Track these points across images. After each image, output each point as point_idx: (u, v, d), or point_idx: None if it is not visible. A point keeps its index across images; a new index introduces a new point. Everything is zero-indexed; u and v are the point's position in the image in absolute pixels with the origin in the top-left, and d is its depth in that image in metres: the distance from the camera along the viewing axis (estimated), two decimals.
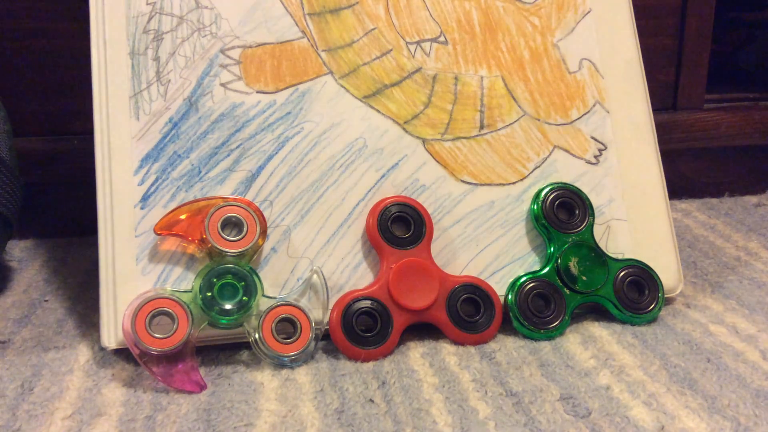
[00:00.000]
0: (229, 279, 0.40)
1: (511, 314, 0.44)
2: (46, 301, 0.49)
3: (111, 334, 0.40)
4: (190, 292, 0.40)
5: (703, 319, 0.46)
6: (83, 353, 0.42)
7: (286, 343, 0.40)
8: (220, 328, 0.40)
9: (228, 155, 0.44)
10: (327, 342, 0.43)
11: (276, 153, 0.44)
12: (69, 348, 0.43)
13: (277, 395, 0.37)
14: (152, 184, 0.42)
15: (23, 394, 0.38)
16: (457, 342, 0.42)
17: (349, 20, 0.46)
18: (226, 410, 0.36)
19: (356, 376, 0.39)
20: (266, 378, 0.39)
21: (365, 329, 0.41)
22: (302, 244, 0.43)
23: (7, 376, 0.40)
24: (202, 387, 0.38)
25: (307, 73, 0.46)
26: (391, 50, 0.47)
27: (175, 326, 0.39)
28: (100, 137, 0.42)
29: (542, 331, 0.43)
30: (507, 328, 0.44)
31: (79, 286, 0.51)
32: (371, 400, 0.37)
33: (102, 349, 0.41)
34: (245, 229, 0.41)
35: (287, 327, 0.41)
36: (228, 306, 0.40)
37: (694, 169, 0.67)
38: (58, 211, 0.60)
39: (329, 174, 0.45)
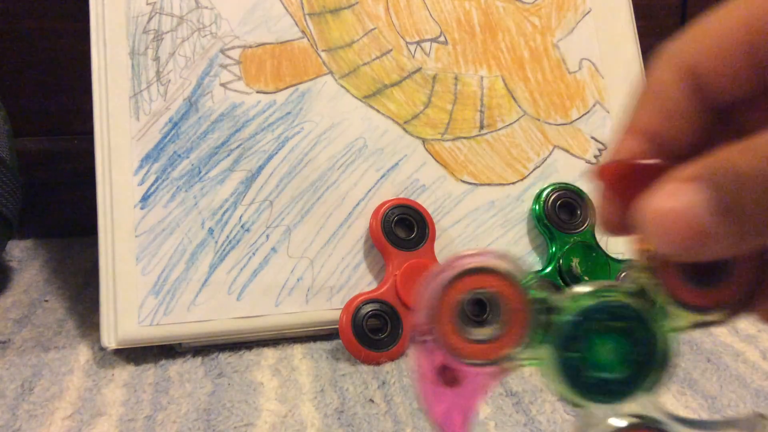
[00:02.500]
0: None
1: None
2: (46, 301, 0.49)
3: (111, 334, 0.40)
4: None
5: None
6: (83, 353, 0.42)
7: None
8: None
9: (228, 155, 0.44)
10: (327, 342, 0.43)
11: (276, 153, 0.44)
12: (69, 348, 0.43)
13: (277, 395, 0.37)
14: (152, 184, 0.42)
15: (23, 394, 0.38)
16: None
17: (349, 20, 0.46)
18: (226, 410, 0.36)
19: (356, 376, 0.39)
20: (266, 378, 0.39)
21: (375, 332, 0.41)
22: (302, 244, 0.43)
23: (7, 376, 0.40)
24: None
25: (307, 73, 0.46)
26: (391, 50, 0.47)
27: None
28: (100, 137, 0.42)
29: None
30: None
31: (79, 286, 0.51)
32: (371, 400, 0.37)
33: (102, 349, 0.41)
34: None
35: None
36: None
37: None
38: (58, 211, 0.60)
39: (329, 174, 0.45)
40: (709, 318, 0.20)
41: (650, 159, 0.19)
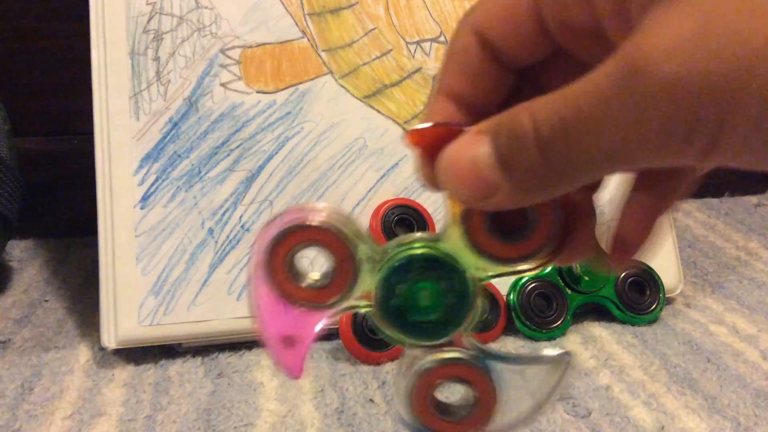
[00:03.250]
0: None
1: (513, 314, 0.44)
2: (46, 301, 0.49)
3: (111, 334, 0.40)
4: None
5: (703, 319, 0.46)
6: (83, 353, 0.42)
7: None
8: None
9: (228, 155, 0.44)
10: (327, 342, 0.43)
11: (276, 153, 0.44)
12: (69, 348, 0.43)
13: (277, 395, 0.37)
14: (152, 184, 0.42)
15: (23, 394, 0.38)
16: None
17: (349, 20, 0.46)
18: (226, 410, 0.36)
19: (356, 377, 0.39)
20: (266, 378, 0.39)
21: (374, 332, 0.41)
22: None
23: (7, 376, 0.40)
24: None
25: (307, 73, 0.46)
26: (391, 50, 0.47)
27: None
28: (101, 137, 0.42)
29: (544, 331, 0.43)
30: (508, 327, 0.44)
31: (79, 286, 0.51)
32: (371, 400, 0.37)
33: (102, 349, 0.41)
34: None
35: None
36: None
37: None
38: (58, 211, 0.60)
39: (329, 174, 0.45)
40: (515, 268, 0.22)
41: (455, 121, 0.21)
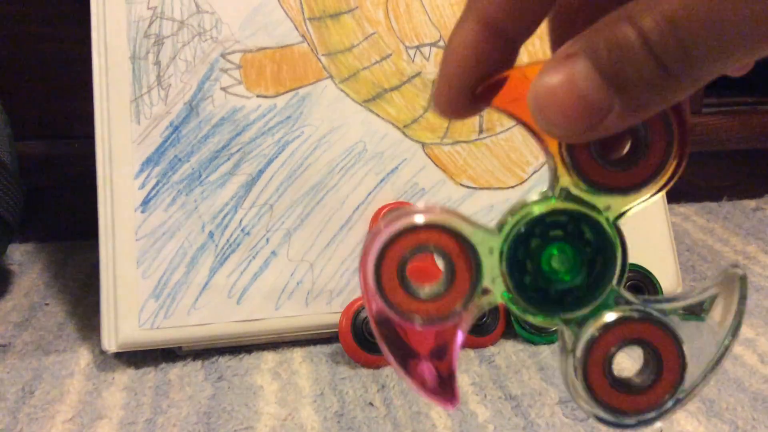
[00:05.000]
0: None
1: (512, 318, 0.44)
2: (46, 304, 0.49)
3: (111, 338, 0.40)
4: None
5: None
6: (84, 357, 0.42)
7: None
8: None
9: (228, 159, 0.44)
10: (327, 346, 0.43)
11: (276, 157, 0.44)
12: (69, 351, 0.43)
13: (277, 398, 0.38)
14: (153, 188, 0.42)
15: (24, 397, 0.38)
16: (463, 345, 0.42)
17: (348, 25, 0.47)
18: (226, 413, 0.36)
19: (356, 380, 0.39)
20: (266, 381, 0.39)
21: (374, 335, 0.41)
22: (302, 248, 0.43)
23: (7, 379, 0.40)
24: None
25: (307, 77, 0.46)
26: (391, 55, 0.47)
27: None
28: (101, 141, 0.42)
29: (543, 335, 0.43)
30: (507, 331, 0.44)
31: (80, 289, 0.52)
32: (371, 404, 0.37)
33: (102, 352, 0.41)
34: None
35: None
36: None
37: (692, 173, 0.68)
38: (58, 214, 0.60)
39: (329, 178, 0.45)
40: (641, 197, 0.19)
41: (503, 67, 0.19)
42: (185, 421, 0.36)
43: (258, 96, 0.45)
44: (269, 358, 0.42)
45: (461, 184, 0.47)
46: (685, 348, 0.20)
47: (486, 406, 0.37)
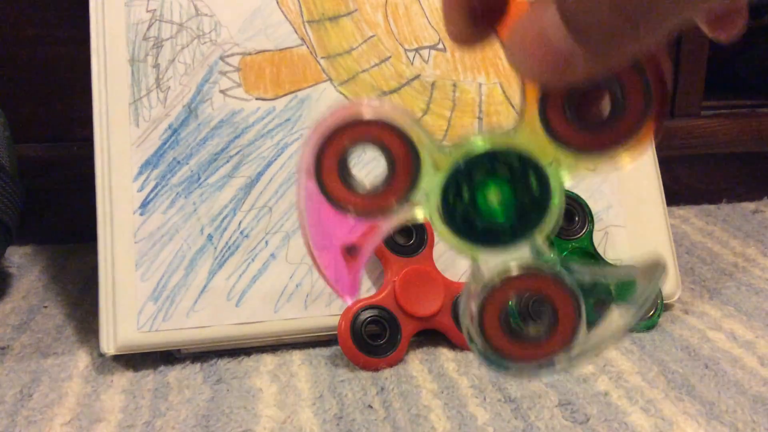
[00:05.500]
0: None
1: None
2: (45, 307, 0.49)
3: (110, 340, 0.40)
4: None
5: (701, 325, 0.46)
6: (82, 359, 0.42)
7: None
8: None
9: (227, 161, 0.44)
10: (326, 348, 0.43)
11: (275, 159, 0.44)
12: (68, 354, 0.43)
13: (276, 401, 0.37)
14: (152, 191, 0.42)
15: (22, 400, 0.38)
16: (463, 347, 0.43)
17: (348, 28, 0.47)
18: (225, 416, 0.36)
19: (355, 383, 0.39)
20: (265, 384, 0.39)
21: (373, 338, 0.41)
22: (301, 251, 0.43)
23: (6, 382, 0.40)
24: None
25: (306, 80, 0.46)
26: (390, 57, 0.47)
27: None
28: (100, 144, 0.42)
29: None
30: None
31: (79, 292, 0.51)
32: (370, 406, 0.37)
33: (101, 355, 0.41)
34: None
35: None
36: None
37: (691, 175, 0.68)
38: (57, 217, 0.60)
39: None
40: (605, 158, 0.19)
41: None
42: (184, 424, 0.36)
43: (257, 99, 0.45)
44: (268, 360, 0.42)
45: None
46: (582, 311, 0.20)
47: (485, 408, 0.37)
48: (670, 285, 0.47)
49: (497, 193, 0.19)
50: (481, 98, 0.48)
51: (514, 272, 0.20)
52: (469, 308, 0.20)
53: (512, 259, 0.20)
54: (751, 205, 0.68)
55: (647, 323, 0.45)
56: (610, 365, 0.41)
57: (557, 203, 0.20)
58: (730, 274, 0.54)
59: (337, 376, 0.40)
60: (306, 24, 0.46)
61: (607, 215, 0.48)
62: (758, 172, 0.69)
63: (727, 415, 0.36)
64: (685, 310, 0.48)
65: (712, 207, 0.67)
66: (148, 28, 0.44)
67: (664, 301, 0.47)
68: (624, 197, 0.48)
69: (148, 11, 0.44)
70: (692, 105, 0.66)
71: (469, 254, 0.20)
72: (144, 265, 0.41)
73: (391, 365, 0.41)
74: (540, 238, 0.20)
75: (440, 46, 0.48)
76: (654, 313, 0.45)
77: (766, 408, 0.37)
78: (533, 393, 0.38)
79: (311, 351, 0.42)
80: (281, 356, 0.42)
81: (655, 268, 0.20)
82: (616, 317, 0.20)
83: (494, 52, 0.48)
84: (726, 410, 0.37)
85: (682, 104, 0.65)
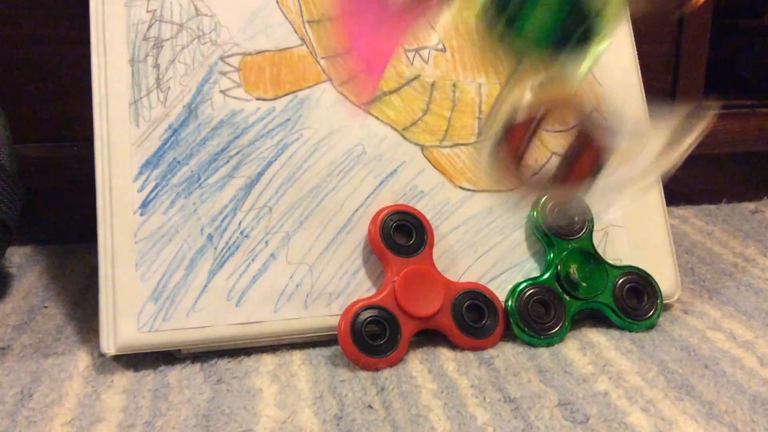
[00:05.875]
0: None
1: (511, 320, 0.44)
2: (45, 307, 0.49)
3: (110, 340, 0.40)
4: None
5: (701, 326, 0.46)
6: (82, 359, 0.42)
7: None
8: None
9: (227, 162, 0.44)
10: (326, 348, 0.43)
11: (275, 159, 0.44)
12: (68, 354, 0.43)
13: (276, 401, 0.38)
14: (152, 191, 0.42)
15: (23, 400, 0.38)
16: (463, 348, 0.43)
17: None
18: (225, 416, 0.36)
19: (355, 383, 0.39)
20: (265, 384, 0.39)
21: (373, 338, 0.41)
22: (301, 251, 0.43)
23: (6, 382, 0.40)
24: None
25: (307, 80, 0.46)
26: (394, 58, 0.47)
27: None
28: (100, 144, 0.42)
29: (542, 337, 0.43)
30: (506, 334, 0.44)
31: (79, 292, 0.52)
32: (370, 406, 0.37)
33: (101, 355, 0.41)
34: None
35: None
36: None
37: (691, 175, 0.68)
38: (57, 217, 0.60)
39: (328, 180, 0.45)
40: None
41: None
42: (184, 424, 0.36)
43: (257, 99, 0.45)
44: (268, 360, 0.42)
45: (460, 187, 0.47)
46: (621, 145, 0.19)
47: (485, 408, 0.37)
48: (670, 285, 0.47)
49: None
50: (481, 99, 0.48)
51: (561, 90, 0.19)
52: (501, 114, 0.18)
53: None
54: (751, 205, 0.68)
55: (647, 323, 0.45)
56: (610, 365, 0.41)
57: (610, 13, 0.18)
58: (730, 274, 0.54)
59: (337, 376, 0.40)
60: (306, 24, 0.46)
61: (606, 215, 0.48)
62: (758, 171, 0.69)
63: (727, 415, 0.36)
64: (684, 310, 0.48)
65: (711, 207, 0.67)
66: (149, 29, 0.44)
67: (664, 301, 0.47)
68: (623, 197, 0.48)
69: (148, 11, 0.44)
70: (690, 105, 0.66)
71: (511, 48, 0.19)
72: (144, 265, 0.41)
73: (391, 365, 0.41)
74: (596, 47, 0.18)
75: (440, 46, 0.48)
76: (654, 312, 0.45)
77: (765, 408, 0.37)
78: (533, 393, 0.38)
79: (311, 351, 0.43)
80: (281, 356, 0.42)
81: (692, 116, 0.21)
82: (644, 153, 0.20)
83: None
84: (725, 410, 0.37)
85: (680, 104, 0.65)
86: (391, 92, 0.47)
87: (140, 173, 0.43)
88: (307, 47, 0.46)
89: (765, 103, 0.69)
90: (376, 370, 0.40)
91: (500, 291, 0.45)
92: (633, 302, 0.46)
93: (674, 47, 0.64)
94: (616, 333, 0.45)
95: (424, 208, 0.45)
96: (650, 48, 0.62)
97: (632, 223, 0.48)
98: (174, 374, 0.40)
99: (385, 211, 0.44)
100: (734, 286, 0.52)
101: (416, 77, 0.47)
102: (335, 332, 0.41)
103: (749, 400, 0.38)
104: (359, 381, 0.39)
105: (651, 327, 0.45)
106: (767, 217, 0.65)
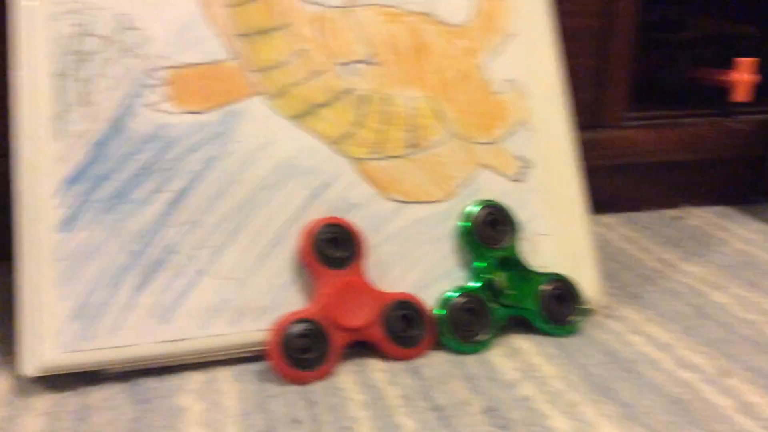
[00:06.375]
0: None
1: (440, 329, 0.44)
2: None
3: (30, 362, 0.39)
4: None
5: (622, 329, 0.48)
6: (1, 382, 0.41)
7: None
8: None
9: (153, 176, 0.43)
10: (256, 364, 0.42)
11: (204, 174, 0.44)
12: None
13: (201, 419, 0.37)
14: (74, 207, 0.42)
15: None
16: (394, 358, 0.43)
17: (278, 41, 0.47)
18: None
19: (284, 398, 0.39)
20: (191, 402, 0.39)
21: (304, 351, 0.41)
22: (230, 266, 0.43)
23: None
24: None
25: (236, 93, 0.46)
26: (321, 71, 0.47)
27: None
28: (20, 159, 0.41)
29: (470, 344, 0.44)
30: (435, 343, 0.45)
31: None
32: (297, 421, 0.37)
33: (20, 377, 0.40)
34: None
35: None
36: None
37: (615, 185, 0.70)
38: None
39: (258, 194, 0.45)
40: None
41: None
42: None
43: (185, 112, 0.45)
44: (195, 378, 0.41)
45: (391, 199, 0.47)
46: None
47: (412, 417, 0.37)
48: (593, 291, 0.49)
49: None
50: (411, 112, 0.49)
51: None
52: None
53: None
54: (671, 212, 0.71)
55: (571, 328, 0.47)
56: (534, 370, 0.42)
57: None
58: (652, 279, 0.56)
59: (266, 392, 0.40)
60: (236, 37, 0.46)
61: (533, 224, 0.49)
62: (678, 179, 0.72)
63: (645, 417, 0.38)
64: (607, 315, 0.50)
65: (635, 215, 0.70)
66: (73, 42, 0.44)
67: (588, 307, 0.48)
68: (549, 207, 0.50)
69: (73, 25, 0.44)
70: (616, 116, 0.68)
71: None
72: (66, 283, 0.40)
73: (321, 378, 0.41)
74: None
75: (371, 60, 0.48)
76: (577, 318, 0.47)
77: (681, 408, 0.39)
78: (459, 400, 0.39)
79: (240, 367, 0.42)
80: (210, 373, 0.42)
81: None
82: None
83: (423, 67, 0.49)
84: (644, 412, 0.38)
85: (606, 116, 0.68)
86: (323, 105, 0.47)
87: (61, 189, 0.42)
88: (238, 61, 0.46)
89: (685, 113, 0.72)
90: (306, 383, 0.40)
91: (430, 300, 0.45)
92: (557, 308, 0.47)
93: (599, 61, 0.67)
94: (541, 339, 0.46)
95: (356, 221, 0.45)
96: (576, 62, 0.64)
97: (557, 232, 0.49)
98: (97, 395, 0.39)
99: (316, 224, 0.44)
100: (655, 290, 0.54)
101: (347, 91, 0.48)
102: (265, 347, 0.41)
103: (666, 402, 0.39)
104: (288, 396, 0.39)
105: (575, 332, 0.47)
106: (687, 224, 0.68)
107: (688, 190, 0.73)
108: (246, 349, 0.43)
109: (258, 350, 0.42)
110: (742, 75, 0.71)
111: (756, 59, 0.71)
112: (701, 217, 0.69)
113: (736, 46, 0.75)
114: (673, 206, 0.72)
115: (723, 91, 0.72)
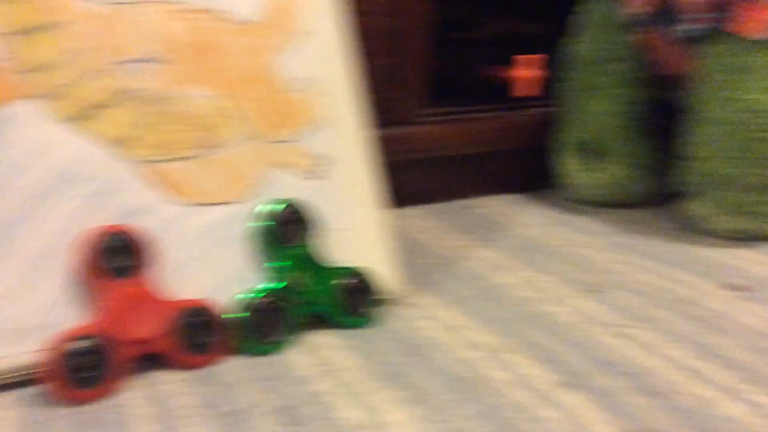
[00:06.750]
0: None
1: (235, 332, 0.44)
2: None
3: None
4: None
5: (416, 316, 0.50)
6: None
7: None
8: None
9: None
10: (29, 388, 0.39)
11: None
12: None
13: None
14: None
15: None
16: (187, 366, 0.42)
17: (51, 40, 0.43)
18: None
19: (55, 423, 0.36)
20: None
21: (83, 369, 0.38)
22: (2, 283, 0.39)
23: None
24: None
25: (2, 96, 0.42)
26: (101, 70, 0.45)
27: None
28: None
29: (267, 346, 0.44)
30: (230, 345, 0.44)
31: None
32: None
33: None
34: None
35: None
36: None
37: (412, 178, 0.74)
38: None
39: (30, 205, 0.41)
40: None
41: None
42: None
43: None
44: None
45: (181, 202, 0.46)
46: None
47: (202, 426, 0.37)
48: (391, 281, 0.51)
49: None
50: (200, 111, 0.47)
51: None
52: None
53: None
54: (462, 203, 0.76)
55: (365, 319, 0.48)
56: (329, 365, 0.43)
57: None
58: (445, 266, 0.60)
59: (32, 416, 0.37)
60: (4, 36, 0.42)
61: (330, 220, 0.50)
62: (469, 171, 0.78)
63: (429, 398, 0.40)
64: (403, 303, 0.52)
65: (429, 206, 0.74)
66: None
67: (386, 297, 0.50)
68: (347, 202, 0.51)
69: None
70: (411, 113, 0.71)
71: None
72: None
73: (103, 396, 0.39)
74: None
75: (156, 58, 0.46)
76: (372, 309, 0.49)
77: (463, 386, 0.42)
78: (252, 403, 0.39)
79: (8, 394, 0.39)
80: None
81: None
82: None
83: (213, 65, 0.48)
84: (429, 393, 0.41)
85: (402, 113, 0.71)
86: (101, 107, 0.44)
87: None
88: (4, 61, 0.42)
89: (474, 109, 0.77)
90: (87, 403, 0.38)
91: (226, 304, 0.45)
92: (352, 301, 0.48)
93: (396, 59, 0.69)
94: (339, 333, 0.47)
95: (144, 226, 0.43)
96: (373, 60, 0.66)
97: (355, 227, 0.51)
98: None
99: (93, 233, 0.42)
100: (448, 276, 0.57)
101: (130, 90, 0.45)
102: (39, 370, 0.38)
103: (449, 381, 0.42)
104: (61, 419, 0.37)
105: (371, 323, 0.49)
106: (476, 213, 0.73)
107: (478, 180, 0.79)
108: (23, 372, 0.39)
109: (31, 374, 0.39)
110: (522, 71, 0.78)
111: (541, 56, 0.78)
112: (489, 206, 0.75)
113: (525, 44, 0.81)
114: (465, 197, 0.77)
115: (507, 87, 0.78)
